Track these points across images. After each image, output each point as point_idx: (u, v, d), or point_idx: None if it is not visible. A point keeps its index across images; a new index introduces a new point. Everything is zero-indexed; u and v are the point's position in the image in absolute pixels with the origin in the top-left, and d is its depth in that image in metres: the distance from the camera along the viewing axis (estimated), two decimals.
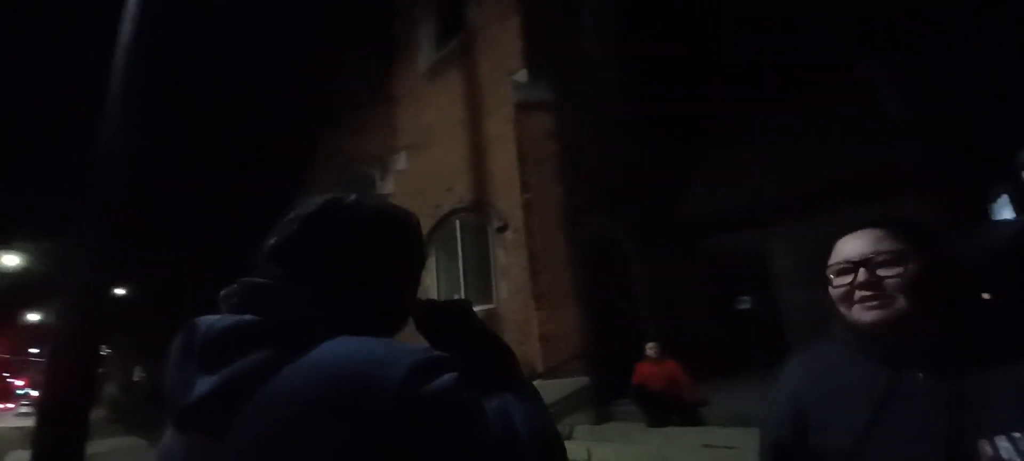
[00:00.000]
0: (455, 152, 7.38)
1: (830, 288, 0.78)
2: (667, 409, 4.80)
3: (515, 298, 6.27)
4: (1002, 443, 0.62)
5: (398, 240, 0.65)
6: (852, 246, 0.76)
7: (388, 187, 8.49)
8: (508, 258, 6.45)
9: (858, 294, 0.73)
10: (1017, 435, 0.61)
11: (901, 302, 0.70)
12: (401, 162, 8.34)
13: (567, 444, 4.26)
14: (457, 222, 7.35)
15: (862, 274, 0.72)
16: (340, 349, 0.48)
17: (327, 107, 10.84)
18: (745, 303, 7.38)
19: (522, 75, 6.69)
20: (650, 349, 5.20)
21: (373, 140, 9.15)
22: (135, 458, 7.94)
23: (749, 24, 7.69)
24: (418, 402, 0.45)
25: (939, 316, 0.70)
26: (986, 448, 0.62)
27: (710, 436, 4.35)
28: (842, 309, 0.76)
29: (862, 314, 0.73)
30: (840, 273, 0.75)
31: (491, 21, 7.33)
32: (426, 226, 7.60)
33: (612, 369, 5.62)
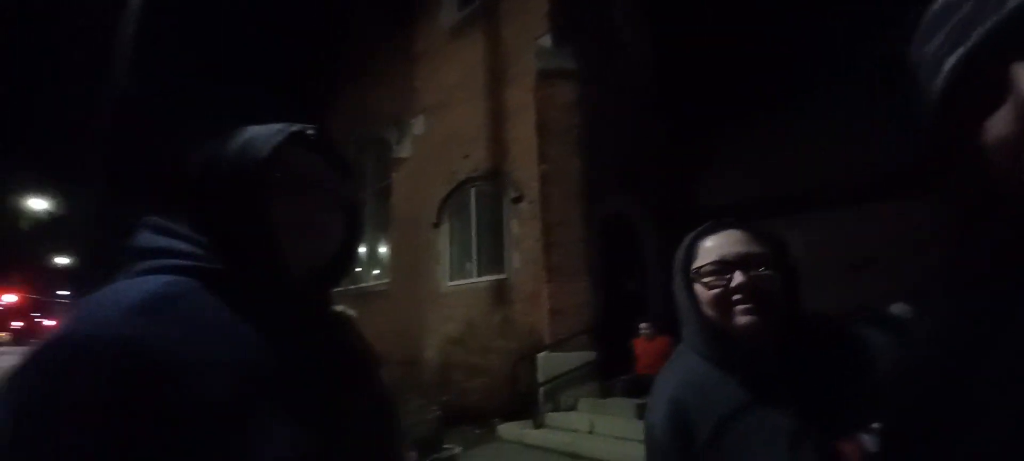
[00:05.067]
0: (474, 118, 7.26)
1: (700, 289, 0.74)
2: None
3: (526, 269, 6.26)
4: (865, 438, 0.63)
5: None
6: (722, 246, 0.73)
7: (405, 152, 8.43)
8: (522, 229, 6.41)
9: (735, 297, 0.70)
10: (875, 426, 0.61)
11: (773, 306, 0.69)
12: (419, 126, 8.24)
13: (570, 416, 4.30)
14: (472, 191, 7.29)
15: (738, 276, 0.70)
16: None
17: (343, 61, 10.67)
18: None
19: (547, 40, 6.47)
20: (644, 328, 5.35)
21: (390, 99, 9.03)
22: None
23: (780, 9, 7.28)
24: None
25: (789, 320, 0.71)
26: (850, 446, 0.63)
27: None
28: (712, 312, 0.73)
29: (739, 318, 0.70)
30: (713, 273, 0.72)
31: None
32: (441, 193, 7.57)
33: (617, 346, 5.62)
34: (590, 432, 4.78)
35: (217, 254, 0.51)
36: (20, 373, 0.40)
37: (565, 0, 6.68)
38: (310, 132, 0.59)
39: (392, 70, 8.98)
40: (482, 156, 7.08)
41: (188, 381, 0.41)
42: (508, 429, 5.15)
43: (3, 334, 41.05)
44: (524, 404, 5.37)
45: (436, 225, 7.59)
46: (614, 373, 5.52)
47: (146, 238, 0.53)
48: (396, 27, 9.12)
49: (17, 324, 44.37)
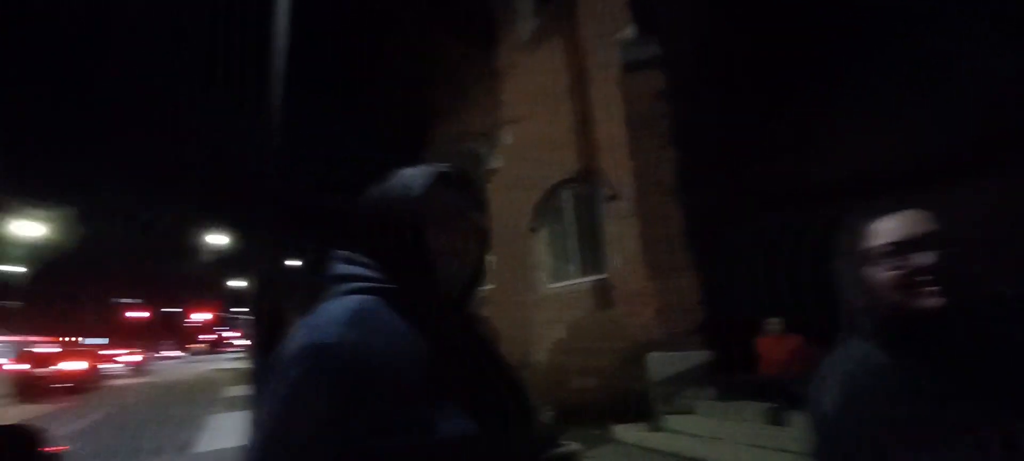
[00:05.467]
0: (561, 121, 7.31)
1: (877, 273, 0.71)
2: (788, 397, 4.14)
3: (627, 268, 6.13)
4: None
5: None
6: (899, 226, 0.71)
7: (496, 163, 8.80)
8: (619, 228, 6.29)
9: (921, 278, 0.67)
10: None
11: (960, 286, 0.67)
12: (507, 137, 8.54)
13: (689, 419, 4.05)
14: (567, 193, 7.35)
15: (923, 256, 0.67)
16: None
17: (434, 88, 11.43)
18: None
19: (629, 32, 6.28)
20: (772, 324, 4.85)
21: (479, 115, 9.48)
22: None
23: None
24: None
25: (972, 301, 0.68)
26: None
27: None
28: (892, 296, 0.70)
29: (926, 300, 0.67)
30: (892, 254, 0.70)
31: None
32: (535, 198, 7.75)
33: (732, 343, 5.21)
34: (713, 437, 4.52)
35: (389, 276, 0.65)
36: (280, 374, 0.57)
37: None
38: (451, 172, 0.73)
39: (479, 87, 9.42)
40: (573, 158, 7.11)
41: (385, 376, 0.56)
42: (625, 431, 5.10)
43: (199, 345, 51.93)
44: (635, 405, 5.27)
45: (532, 230, 7.80)
46: (730, 373, 5.14)
47: (341, 268, 0.68)
48: (479, 47, 9.55)
49: (208, 337, 55.55)
